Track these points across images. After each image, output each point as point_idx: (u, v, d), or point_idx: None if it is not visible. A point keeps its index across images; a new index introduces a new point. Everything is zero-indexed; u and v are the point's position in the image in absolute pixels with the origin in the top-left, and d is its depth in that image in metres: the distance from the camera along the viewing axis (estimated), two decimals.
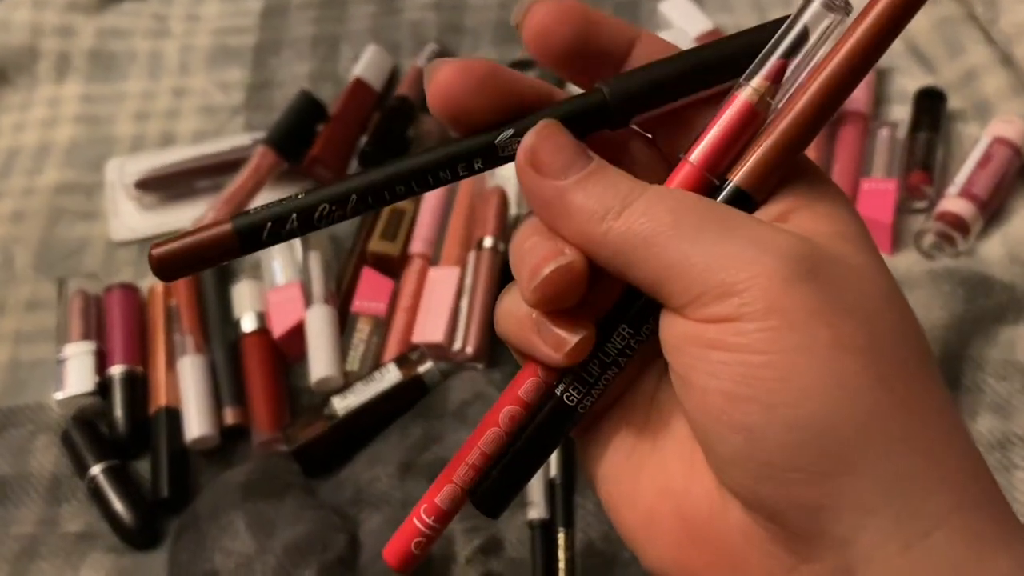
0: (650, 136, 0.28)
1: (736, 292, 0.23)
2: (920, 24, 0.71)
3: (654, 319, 0.26)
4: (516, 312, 0.27)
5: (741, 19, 0.75)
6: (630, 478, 0.27)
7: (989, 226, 0.60)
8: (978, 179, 0.60)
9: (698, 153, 0.26)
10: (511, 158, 0.26)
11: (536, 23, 0.26)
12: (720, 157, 0.26)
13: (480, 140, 0.26)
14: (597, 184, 0.25)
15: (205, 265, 0.26)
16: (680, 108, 0.27)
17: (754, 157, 0.25)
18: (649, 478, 0.27)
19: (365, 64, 0.73)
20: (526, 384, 0.27)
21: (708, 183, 0.26)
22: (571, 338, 0.26)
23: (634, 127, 0.28)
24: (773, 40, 0.26)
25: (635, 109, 0.27)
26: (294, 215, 0.26)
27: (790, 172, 0.26)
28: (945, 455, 0.23)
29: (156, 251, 0.26)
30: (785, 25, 0.26)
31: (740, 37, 0.27)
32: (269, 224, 0.26)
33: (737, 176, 0.25)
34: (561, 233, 0.26)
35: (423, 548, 0.28)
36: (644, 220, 0.24)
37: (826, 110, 0.25)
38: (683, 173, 0.26)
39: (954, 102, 0.66)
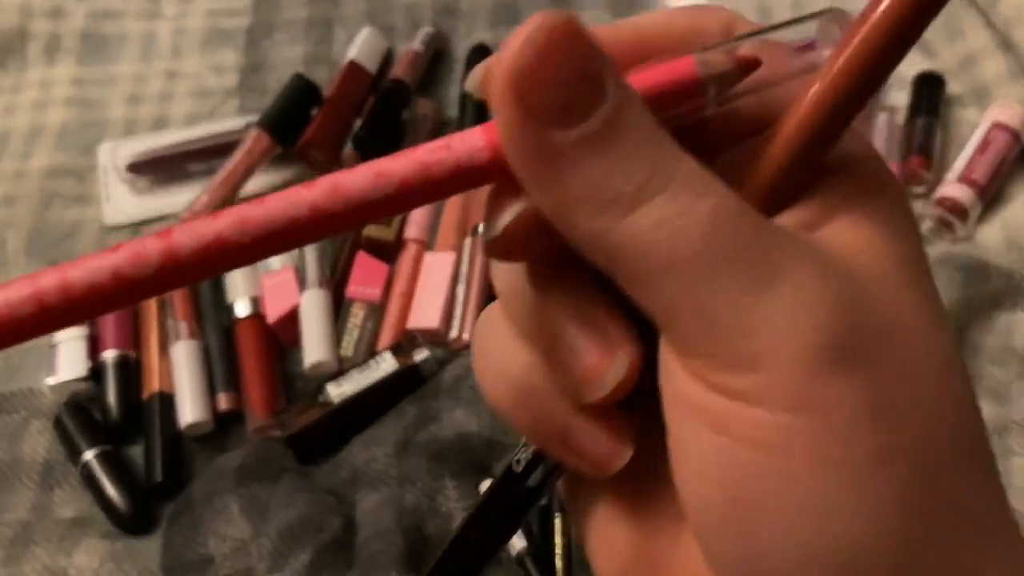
0: None
1: (760, 368, 0.17)
2: None
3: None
4: (541, 405, 0.21)
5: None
6: (609, 524, 0.22)
7: (987, 211, 0.60)
8: (977, 164, 0.59)
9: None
10: None
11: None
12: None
13: None
14: (610, 152, 0.17)
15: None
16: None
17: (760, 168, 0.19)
18: (626, 532, 0.22)
19: (359, 47, 0.73)
20: None
21: None
22: (622, 453, 0.21)
23: None
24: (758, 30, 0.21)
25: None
26: None
27: (834, 158, 0.20)
28: (983, 565, 0.19)
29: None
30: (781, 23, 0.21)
31: None
32: None
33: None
34: (539, 203, 0.19)
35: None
36: (664, 233, 0.17)
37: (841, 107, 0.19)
38: None
39: (953, 87, 0.66)
